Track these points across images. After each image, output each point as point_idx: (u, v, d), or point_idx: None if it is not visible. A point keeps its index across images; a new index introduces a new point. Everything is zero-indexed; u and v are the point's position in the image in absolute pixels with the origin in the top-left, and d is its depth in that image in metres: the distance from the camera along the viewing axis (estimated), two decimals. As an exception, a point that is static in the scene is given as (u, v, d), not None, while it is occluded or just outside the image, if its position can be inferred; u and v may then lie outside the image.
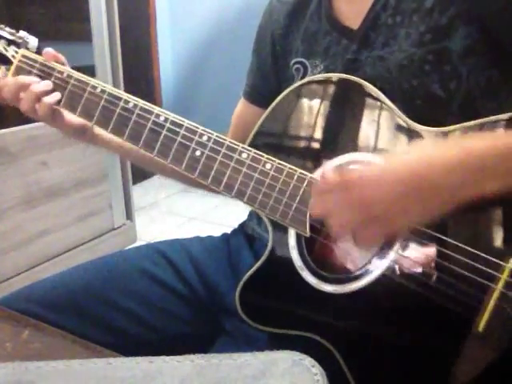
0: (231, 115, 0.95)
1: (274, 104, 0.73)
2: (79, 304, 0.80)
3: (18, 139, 1.91)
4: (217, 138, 0.71)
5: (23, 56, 0.81)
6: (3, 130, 1.89)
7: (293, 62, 0.81)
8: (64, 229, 2.13)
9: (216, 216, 2.67)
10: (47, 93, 0.78)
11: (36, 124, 1.95)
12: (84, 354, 0.63)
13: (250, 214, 0.90)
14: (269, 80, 0.87)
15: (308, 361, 0.47)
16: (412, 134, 0.66)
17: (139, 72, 3.08)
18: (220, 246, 0.90)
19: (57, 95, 0.79)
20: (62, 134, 0.85)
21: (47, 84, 0.78)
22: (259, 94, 0.90)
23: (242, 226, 0.92)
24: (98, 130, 0.85)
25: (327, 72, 0.76)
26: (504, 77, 0.67)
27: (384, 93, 0.68)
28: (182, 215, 2.76)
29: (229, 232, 0.94)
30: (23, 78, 0.79)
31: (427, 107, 0.68)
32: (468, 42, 0.66)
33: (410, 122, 0.66)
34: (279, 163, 0.69)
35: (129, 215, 2.45)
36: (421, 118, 0.66)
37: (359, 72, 0.72)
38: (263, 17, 0.88)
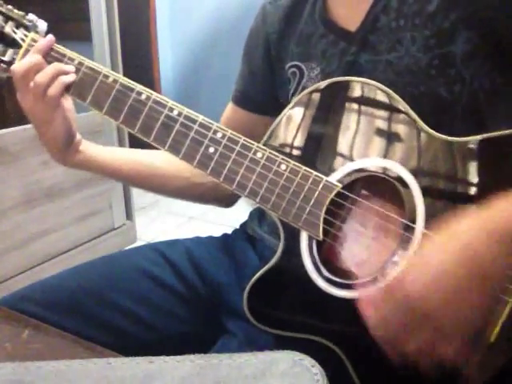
0: (231, 115, 0.94)
1: (290, 106, 0.71)
2: (79, 304, 0.80)
3: (18, 139, 1.91)
4: (231, 136, 0.70)
5: (33, 40, 0.77)
6: (3, 130, 1.89)
7: (288, 65, 0.80)
8: (64, 229, 2.13)
9: (216, 216, 2.67)
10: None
11: (36, 124, 1.95)
12: (84, 354, 0.63)
13: (251, 215, 0.90)
14: (260, 84, 0.86)
15: (308, 361, 0.47)
16: (426, 143, 0.65)
17: (139, 72, 3.08)
18: (220, 246, 0.89)
19: (72, 76, 0.75)
20: (44, 143, 0.80)
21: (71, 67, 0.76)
22: (249, 99, 0.89)
23: (243, 226, 0.92)
24: (86, 149, 0.83)
25: (324, 75, 0.76)
26: (507, 80, 0.66)
27: None
28: (182, 215, 2.76)
29: (229, 232, 0.94)
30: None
31: (435, 112, 0.68)
32: (469, 46, 0.66)
33: (428, 129, 0.65)
34: (294, 164, 0.68)
35: (129, 215, 2.45)
36: (428, 124, 0.65)
37: (364, 75, 0.72)
38: (255, 21, 0.87)
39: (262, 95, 0.86)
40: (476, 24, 0.66)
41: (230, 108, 0.92)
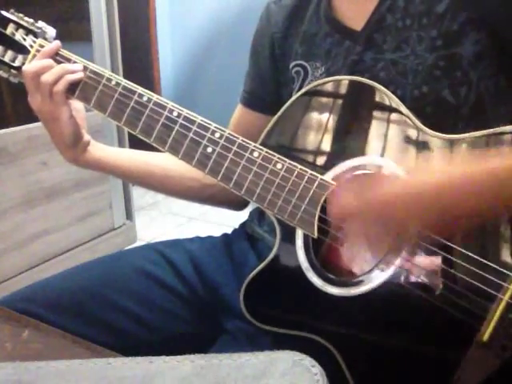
0: (231, 115, 0.94)
1: (286, 105, 0.73)
2: (79, 304, 0.80)
3: (18, 139, 1.91)
4: (229, 136, 0.71)
5: (40, 46, 0.81)
6: (3, 130, 1.89)
7: (292, 64, 0.81)
8: (64, 229, 2.13)
9: (216, 216, 2.67)
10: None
11: (36, 124, 1.95)
12: (84, 354, 0.62)
13: (251, 215, 0.90)
14: (268, 84, 0.86)
15: (308, 361, 0.47)
16: (422, 142, 0.65)
17: (139, 72, 3.08)
18: (220, 246, 0.89)
19: (79, 74, 0.78)
20: (53, 140, 0.83)
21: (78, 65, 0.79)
22: (258, 99, 0.89)
23: (243, 226, 0.92)
24: (95, 149, 0.85)
25: (329, 74, 0.76)
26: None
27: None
28: (182, 215, 2.76)
29: (229, 232, 0.94)
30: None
31: (437, 114, 0.68)
32: (478, 47, 0.66)
33: (423, 127, 0.66)
34: (290, 163, 0.68)
35: (129, 215, 2.45)
36: (431, 125, 0.66)
37: (367, 74, 0.72)
38: (260, 21, 0.87)
39: (270, 95, 0.86)
40: (485, 26, 0.66)
41: (238, 110, 0.92)
